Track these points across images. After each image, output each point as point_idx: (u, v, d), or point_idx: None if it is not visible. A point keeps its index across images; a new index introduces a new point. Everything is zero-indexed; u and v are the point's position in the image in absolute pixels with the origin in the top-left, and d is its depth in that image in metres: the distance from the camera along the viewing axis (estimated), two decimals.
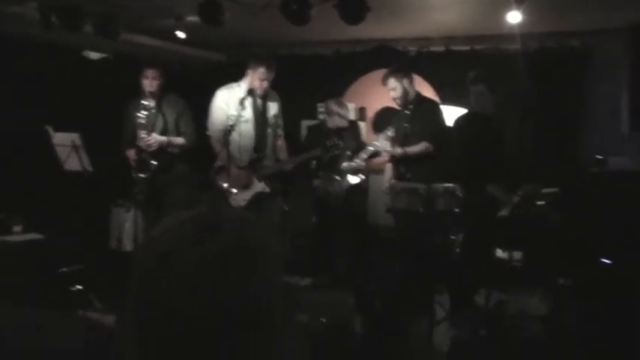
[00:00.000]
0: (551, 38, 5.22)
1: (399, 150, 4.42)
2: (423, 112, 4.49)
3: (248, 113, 4.33)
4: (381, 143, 4.49)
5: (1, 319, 1.00)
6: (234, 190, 4.32)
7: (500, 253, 4.27)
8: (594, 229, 4.37)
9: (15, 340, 0.94)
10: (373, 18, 3.83)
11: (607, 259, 4.06)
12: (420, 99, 4.58)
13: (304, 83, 6.01)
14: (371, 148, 4.70)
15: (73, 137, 4.24)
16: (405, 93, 4.47)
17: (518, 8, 3.92)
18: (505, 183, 4.01)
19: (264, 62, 4.25)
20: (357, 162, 4.84)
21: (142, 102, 4.52)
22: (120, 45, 5.07)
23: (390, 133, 4.41)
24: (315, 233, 5.34)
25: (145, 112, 4.50)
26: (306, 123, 5.89)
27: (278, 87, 4.51)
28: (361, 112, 6.09)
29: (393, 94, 4.50)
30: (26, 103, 5.12)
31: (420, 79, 5.31)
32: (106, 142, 4.54)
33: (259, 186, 4.39)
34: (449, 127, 4.49)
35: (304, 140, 5.46)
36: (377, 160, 4.98)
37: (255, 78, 4.27)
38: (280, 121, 4.58)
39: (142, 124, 4.49)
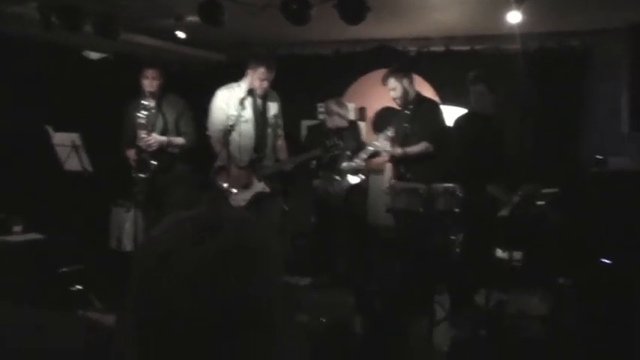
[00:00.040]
0: (551, 38, 5.21)
1: (399, 150, 4.42)
2: (423, 112, 4.49)
3: (248, 113, 4.33)
4: (381, 143, 4.49)
5: (1, 319, 1.00)
6: (234, 190, 4.32)
7: (500, 253, 4.27)
8: (594, 229, 4.36)
9: (15, 340, 0.94)
10: (373, 18, 3.83)
11: (607, 259, 4.06)
12: (420, 99, 4.58)
13: (304, 83, 6.01)
14: (371, 148, 4.70)
15: (73, 137, 4.24)
16: (405, 93, 4.47)
17: (518, 8, 3.92)
18: (505, 183, 4.01)
19: (264, 62, 4.25)
20: (357, 162, 4.84)
21: (142, 102, 4.52)
22: (120, 45, 5.07)
23: (390, 133, 4.41)
24: (315, 233, 5.34)
25: (145, 112, 4.50)
26: (306, 123, 5.89)
27: (278, 87, 4.51)
28: (361, 112, 6.08)
29: (393, 94, 4.50)
30: (26, 103, 5.12)
31: (420, 79, 5.31)
32: (106, 142, 4.54)
33: (259, 186, 4.39)
34: (449, 127, 4.49)
35: (304, 140, 5.46)
36: (377, 160, 4.98)
37: (255, 78, 4.27)
38: (280, 121, 4.58)
39: (142, 124, 4.49)
